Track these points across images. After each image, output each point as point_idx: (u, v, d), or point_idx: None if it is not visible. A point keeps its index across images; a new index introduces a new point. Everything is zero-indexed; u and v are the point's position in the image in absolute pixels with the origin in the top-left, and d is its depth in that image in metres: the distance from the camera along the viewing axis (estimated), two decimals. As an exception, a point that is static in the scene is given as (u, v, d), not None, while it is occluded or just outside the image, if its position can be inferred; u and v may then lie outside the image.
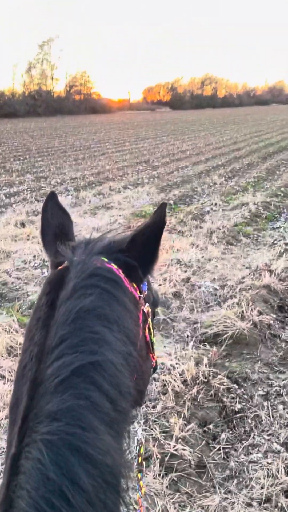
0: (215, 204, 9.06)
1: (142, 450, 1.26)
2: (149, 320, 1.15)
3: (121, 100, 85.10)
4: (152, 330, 1.18)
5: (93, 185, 11.35)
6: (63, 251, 1.01)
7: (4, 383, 3.23)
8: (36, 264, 5.74)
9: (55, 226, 1.19)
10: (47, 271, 5.56)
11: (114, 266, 0.98)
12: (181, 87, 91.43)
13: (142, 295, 1.08)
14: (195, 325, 4.19)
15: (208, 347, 3.77)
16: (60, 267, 1.00)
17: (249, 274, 5.35)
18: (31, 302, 4.66)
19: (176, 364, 3.43)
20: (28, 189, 10.81)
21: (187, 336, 4.01)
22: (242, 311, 4.27)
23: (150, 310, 1.14)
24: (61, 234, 1.17)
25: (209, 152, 18.13)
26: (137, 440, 1.24)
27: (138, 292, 1.06)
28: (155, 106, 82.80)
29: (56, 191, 9.58)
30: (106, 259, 0.99)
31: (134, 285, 1.05)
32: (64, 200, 9.31)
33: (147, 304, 1.12)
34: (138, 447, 1.25)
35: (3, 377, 3.32)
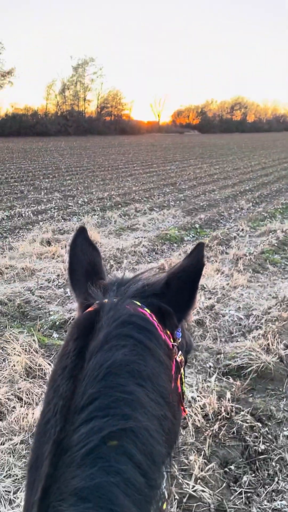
0: (242, 229, 8.95)
1: (165, 507, 1.16)
2: (182, 369, 1.07)
3: (150, 122, 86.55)
4: (184, 380, 1.11)
5: (119, 205, 11.44)
6: (93, 293, 0.96)
7: (21, 406, 3.18)
8: (59, 283, 5.74)
9: (85, 263, 1.12)
10: (69, 291, 5.56)
11: (147, 312, 0.91)
12: (210, 112, 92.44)
13: (175, 344, 1.01)
14: (218, 356, 4.06)
15: (231, 380, 3.63)
16: (89, 309, 0.94)
17: (276, 304, 5.19)
18: (53, 322, 4.64)
19: (198, 396, 3.30)
20: (56, 207, 10.98)
21: (210, 367, 3.89)
22: (268, 344, 4.12)
23: (183, 358, 1.07)
24: (90, 272, 1.10)
25: (236, 176, 18.09)
26: (161, 494, 1.15)
27: (171, 339, 0.99)
28: (184, 129, 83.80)
29: (83, 210, 9.77)
30: (139, 304, 0.92)
31: (168, 332, 0.98)
32: (90, 220, 9.40)
33: (180, 352, 1.05)
34: (160, 502, 1.15)
35: (21, 399, 3.27)
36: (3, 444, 2.82)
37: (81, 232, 1.19)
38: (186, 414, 1.02)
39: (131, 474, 0.69)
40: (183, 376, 1.09)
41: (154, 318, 0.92)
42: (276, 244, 7.83)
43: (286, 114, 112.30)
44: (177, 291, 1.00)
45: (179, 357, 1.04)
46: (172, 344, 0.99)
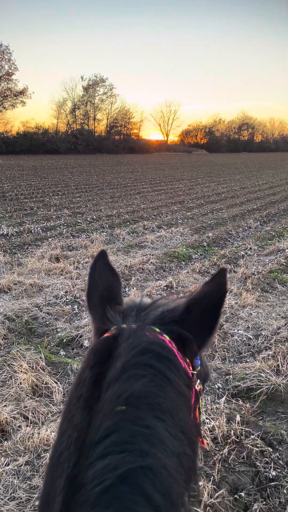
0: (250, 248, 8.92)
1: None
2: (200, 399, 1.04)
3: (158, 141, 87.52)
4: (201, 409, 1.07)
5: (128, 223, 11.48)
6: (112, 317, 0.93)
7: (27, 425, 3.13)
8: (67, 300, 5.72)
9: (103, 288, 1.10)
10: (77, 307, 5.54)
11: (167, 339, 0.89)
12: (218, 131, 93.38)
13: (195, 372, 0.97)
14: (227, 377, 3.99)
15: (240, 402, 3.55)
16: (106, 335, 0.91)
17: (285, 324, 5.12)
18: (60, 339, 4.61)
19: (207, 419, 3.23)
20: (65, 224, 11.04)
21: (218, 388, 3.82)
22: (278, 365, 4.05)
23: (201, 387, 1.04)
24: (108, 297, 1.08)
25: (244, 195, 18.14)
26: None
27: (190, 368, 0.95)
28: (191, 148, 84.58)
29: (92, 227, 9.80)
30: (158, 330, 0.89)
31: (187, 360, 0.94)
32: (99, 237, 9.43)
33: (198, 381, 1.02)
34: None
35: (27, 418, 3.22)
36: (8, 465, 2.76)
37: (102, 256, 1.18)
38: (205, 446, 0.97)
39: None
40: (201, 406, 1.06)
41: (174, 346, 0.89)
42: (284, 263, 7.77)
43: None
44: (198, 318, 0.96)
45: (198, 386, 1.00)
46: (192, 373, 0.96)
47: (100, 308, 1.05)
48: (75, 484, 0.66)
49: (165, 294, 1.05)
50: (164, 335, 0.89)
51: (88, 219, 11.85)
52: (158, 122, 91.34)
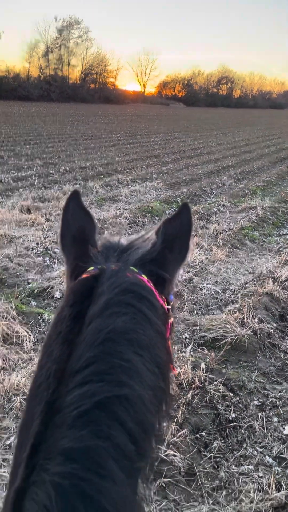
0: (223, 205, 8.98)
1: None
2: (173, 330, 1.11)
3: (135, 92, 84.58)
4: (172, 339, 1.14)
5: (102, 176, 11.27)
6: (94, 257, 0.96)
7: (-3, 371, 3.19)
8: (38, 252, 5.68)
9: (75, 229, 1.12)
10: (48, 259, 5.51)
11: (146, 279, 0.93)
12: (196, 85, 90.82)
13: (170, 307, 1.04)
14: (194, 328, 4.14)
15: (206, 351, 3.71)
16: (85, 275, 0.92)
17: (252, 279, 5.29)
18: (31, 290, 4.61)
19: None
20: (36, 175, 10.73)
21: (185, 338, 3.96)
22: (243, 317, 4.21)
23: (173, 319, 1.11)
24: (81, 238, 1.09)
25: (220, 152, 18.00)
26: (149, 464, 1.15)
27: (166, 303, 1.02)
28: (169, 101, 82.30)
29: (64, 179, 9.55)
30: (138, 271, 0.93)
31: (163, 297, 1.00)
32: (72, 189, 9.23)
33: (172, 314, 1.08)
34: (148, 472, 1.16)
35: (-3, 365, 3.27)
36: (-21, 408, 2.83)
37: (74, 196, 1.17)
38: (177, 373, 1.08)
39: (121, 440, 0.69)
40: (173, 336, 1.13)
41: (152, 285, 0.94)
42: (255, 221, 7.90)
43: (272, 90, 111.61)
44: (173, 256, 1.04)
45: (171, 319, 1.08)
46: (167, 308, 1.02)
47: (73, 249, 1.07)
48: (53, 408, 0.70)
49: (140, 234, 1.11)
50: (143, 276, 0.93)
51: (60, 170, 11.54)
52: (135, 71, 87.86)
